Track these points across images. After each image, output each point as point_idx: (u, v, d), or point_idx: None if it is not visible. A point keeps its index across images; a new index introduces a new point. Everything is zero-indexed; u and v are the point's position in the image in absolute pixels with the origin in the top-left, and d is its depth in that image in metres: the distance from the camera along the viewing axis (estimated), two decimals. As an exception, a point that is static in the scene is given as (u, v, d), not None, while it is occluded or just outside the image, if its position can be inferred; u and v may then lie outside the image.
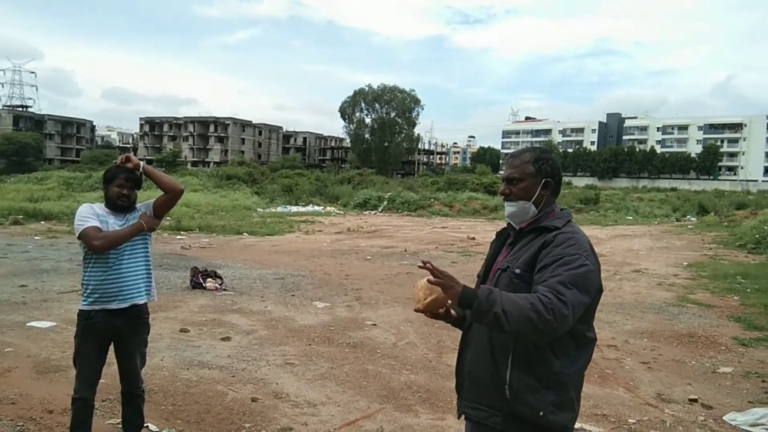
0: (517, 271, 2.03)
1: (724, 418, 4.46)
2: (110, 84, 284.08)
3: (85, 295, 3.25)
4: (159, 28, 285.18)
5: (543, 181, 2.14)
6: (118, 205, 3.24)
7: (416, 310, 2.02)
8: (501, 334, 1.94)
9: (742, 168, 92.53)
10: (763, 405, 4.69)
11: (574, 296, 1.88)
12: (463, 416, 2.22)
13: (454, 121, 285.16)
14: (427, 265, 1.89)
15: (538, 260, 2.00)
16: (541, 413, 1.98)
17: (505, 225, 2.33)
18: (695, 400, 4.82)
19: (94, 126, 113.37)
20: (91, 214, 3.19)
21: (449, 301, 2.01)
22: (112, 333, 3.27)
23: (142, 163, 3.31)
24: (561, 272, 1.92)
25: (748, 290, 9.89)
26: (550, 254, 1.98)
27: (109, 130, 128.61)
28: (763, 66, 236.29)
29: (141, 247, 3.33)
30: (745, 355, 6.23)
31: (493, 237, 2.35)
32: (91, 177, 31.76)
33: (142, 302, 3.32)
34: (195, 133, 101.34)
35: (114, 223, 3.21)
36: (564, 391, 2.01)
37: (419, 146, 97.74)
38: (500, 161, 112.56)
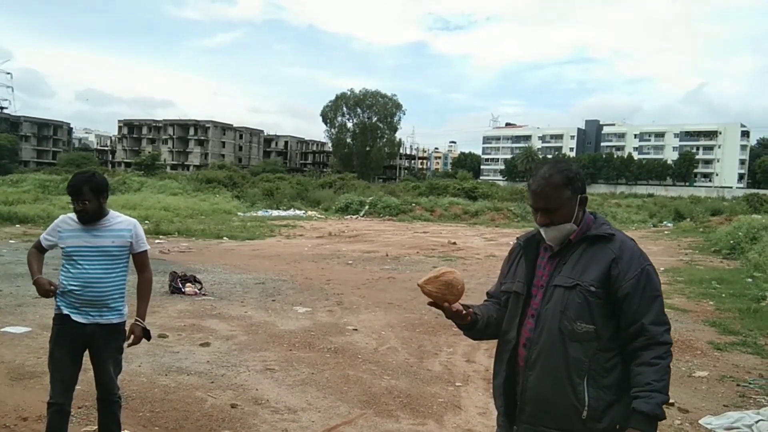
0: (593, 288, 1.97)
1: (700, 421, 4.53)
2: (84, 86, 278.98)
3: (59, 300, 3.22)
4: (133, 30, 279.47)
5: (579, 198, 2.07)
6: (81, 219, 3.24)
7: (421, 284, 2.06)
8: None
9: (717, 175, 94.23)
10: (738, 409, 4.77)
11: (662, 305, 2.01)
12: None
13: (435, 127, 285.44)
14: None
15: (612, 276, 1.97)
16: (618, 426, 1.94)
17: (517, 236, 2.30)
18: (672, 404, 4.87)
19: (72, 128, 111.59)
20: (53, 230, 3.26)
21: (456, 306, 2.07)
22: (86, 339, 3.23)
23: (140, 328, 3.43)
24: (649, 294, 1.98)
25: (723, 295, 10.05)
26: (627, 276, 1.97)
27: (86, 133, 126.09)
28: (733, 74, 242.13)
29: (122, 263, 3.35)
30: (720, 359, 6.34)
31: (516, 250, 2.24)
32: (67, 180, 31.26)
33: (116, 321, 3.30)
34: (174, 136, 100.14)
35: (85, 234, 3.21)
36: (627, 395, 1.97)
37: (401, 151, 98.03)
38: (481, 166, 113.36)
